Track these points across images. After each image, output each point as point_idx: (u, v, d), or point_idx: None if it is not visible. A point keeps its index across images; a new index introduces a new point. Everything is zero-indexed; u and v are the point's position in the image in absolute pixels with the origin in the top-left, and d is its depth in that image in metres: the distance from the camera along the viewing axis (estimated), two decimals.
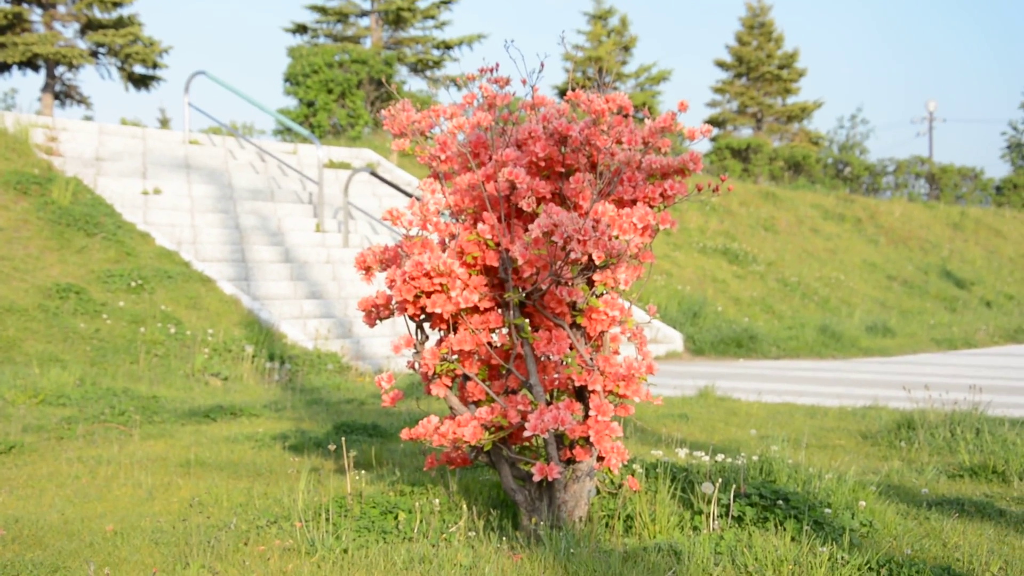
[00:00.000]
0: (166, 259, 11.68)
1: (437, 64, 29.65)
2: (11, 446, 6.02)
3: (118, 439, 6.50)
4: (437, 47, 29.68)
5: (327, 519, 4.23)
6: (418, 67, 29.68)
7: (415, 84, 29.45)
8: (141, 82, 26.07)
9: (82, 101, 26.17)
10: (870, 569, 3.69)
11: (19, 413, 7.26)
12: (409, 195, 13.81)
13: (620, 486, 4.36)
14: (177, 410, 7.52)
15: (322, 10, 29.01)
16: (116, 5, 25.05)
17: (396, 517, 4.30)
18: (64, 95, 25.75)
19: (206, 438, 6.58)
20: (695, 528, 4.22)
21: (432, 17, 29.32)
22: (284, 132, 23.00)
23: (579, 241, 3.96)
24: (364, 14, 29.26)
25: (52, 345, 9.20)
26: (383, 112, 4.80)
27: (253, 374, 9.52)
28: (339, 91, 22.55)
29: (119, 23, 25.34)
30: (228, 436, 6.61)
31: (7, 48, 24.19)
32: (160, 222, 12.87)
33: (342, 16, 29.19)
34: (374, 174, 14.32)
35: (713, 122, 35.64)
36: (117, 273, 10.86)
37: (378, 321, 4.85)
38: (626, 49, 35.47)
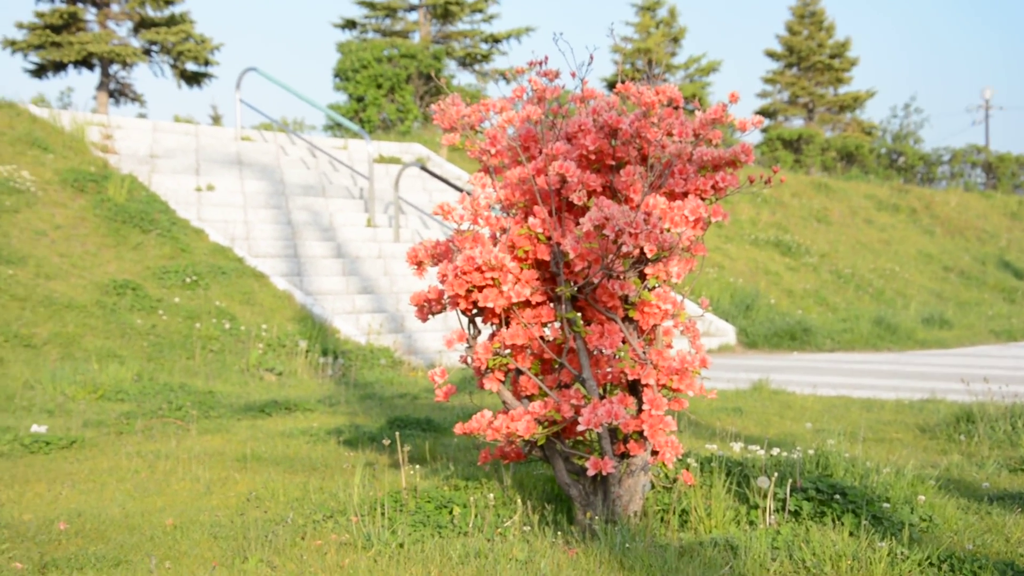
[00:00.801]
0: (220, 255, 11.80)
1: (485, 58, 29.68)
2: (72, 441, 6.12)
3: (176, 434, 6.58)
4: (485, 41, 29.70)
5: (383, 513, 4.25)
6: (466, 61, 29.72)
7: (464, 78, 29.54)
8: (193, 79, 26.33)
9: (136, 99, 26.48)
10: (931, 564, 3.64)
11: (79, 408, 7.37)
12: (459, 189, 13.84)
13: (675, 480, 4.34)
14: (233, 405, 7.59)
15: (371, 5, 29.12)
16: (168, 3, 25.32)
17: (451, 511, 4.31)
18: (118, 93, 26.07)
19: (262, 433, 6.64)
20: (751, 523, 4.19)
21: (480, 11, 29.34)
22: (334, 127, 23.13)
23: (631, 234, 3.94)
24: (412, 8, 29.34)
25: (110, 341, 9.33)
26: (433, 107, 4.80)
27: (307, 369, 9.60)
28: (388, 86, 22.65)
29: (171, 21, 25.61)
30: (283, 431, 6.67)
31: (63, 47, 24.54)
32: (213, 218, 13.00)
33: (390, 11, 29.29)
34: (424, 168, 14.36)
35: (764, 113, 35.35)
36: (172, 269, 10.99)
37: (430, 316, 4.87)
38: (675, 40, 35.28)
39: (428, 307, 4.83)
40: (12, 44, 24.58)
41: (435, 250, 4.78)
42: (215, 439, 6.43)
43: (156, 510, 4.72)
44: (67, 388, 7.87)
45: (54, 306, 9.53)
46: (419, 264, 4.85)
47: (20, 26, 24.69)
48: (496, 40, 29.62)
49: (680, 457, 4.35)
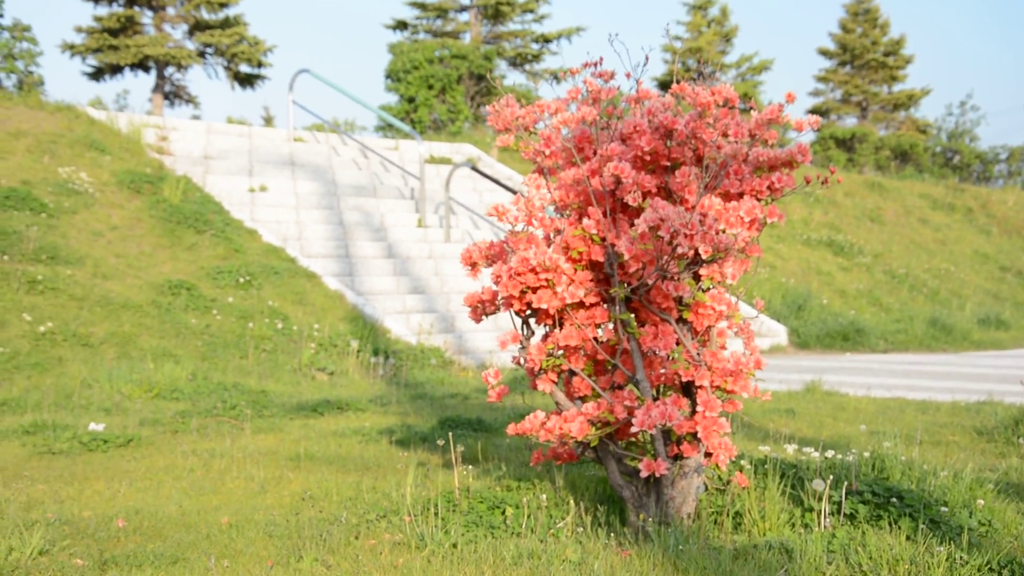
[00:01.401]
0: (272, 255, 11.90)
1: (536, 58, 29.69)
2: (129, 439, 6.20)
3: (230, 433, 6.65)
4: (536, 41, 29.71)
5: (435, 514, 4.26)
6: (517, 61, 29.75)
7: (514, 78, 29.53)
8: (246, 81, 26.58)
9: (190, 101, 26.78)
10: (991, 570, 3.59)
11: (136, 407, 7.47)
12: (510, 190, 13.86)
13: (728, 482, 4.31)
14: (286, 404, 7.66)
15: (422, 6, 29.23)
16: (222, 5, 25.59)
17: (503, 512, 4.32)
18: (173, 95, 26.39)
19: (314, 432, 6.69)
20: (806, 526, 4.16)
21: (531, 11, 29.35)
22: (385, 128, 23.25)
23: (686, 235, 3.93)
24: (463, 9, 29.42)
25: (165, 340, 9.44)
26: (487, 108, 4.81)
27: (358, 369, 9.65)
28: (439, 87, 22.72)
29: (225, 23, 25.87)
30: (336, 430, 6.72)
31: (120, 50, 24.88)
32: (266, 219, 13.11)
33: (441, 12, 29.39)
34: (475, 169, 14.39)
35: (816, 111, 35.03)
36: (226, 269, 11.10)
37: (484, 316, 4.89)
38: (727, 39, 35.08)
39: (482, 308, 4.84)
40: (71, 47, 24.97)
41: (489, 251, 4.79)
42: (268, 438, 6.49)
43: (212, 508, 4.77)
44: (123, 387, 7.98)
45: (111, 306, 9.67)
46: (473, 265, 4.86)
47: (79, 30, 25.08)
48: (547, 40, 29.62)
49: (733, 459, 4.32)
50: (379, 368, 9.63)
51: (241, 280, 10.97)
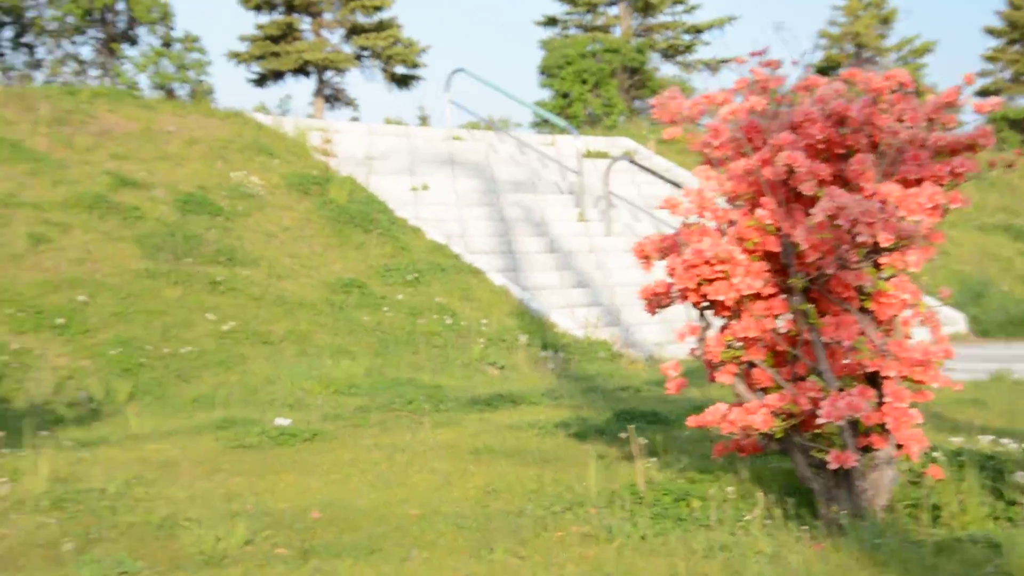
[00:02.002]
0: (437, 252, 12.14)
1: (688, 49, 29.42)
2: (314, 434, 6.42)
3: (409, 427, 6.82)
4: (687, 32, 29.45)
5: (622, 506, 4.30)
6: (668, 53, 29.53)
7: (667, 70, 29.32)
8: (402, 81, 27.11)
9: (349, 103, 27.46)
10: None
11: (317, 402, 7.74)
12: (670, 182, 13.80)
13: (921, 475, 4.23)
14: (460, 399, 7.81)
15: (572, 1, 29.29)
16: (377, 9, 26.16)
17: (688, 504, 4.33)
18: (333, 98, 27.10)
19: (491, 426, 6.80)
20: (1009, 519, 4.04)
21: (681, 2, 29.12)
22: (540, 124, 23.38)
23: (866, 224, 3.86)
24: (613, 3, 29.37)
25: (339, 337, 9.74)
26: (652, 101, 4.82)
27: (527, 362, 9.77)
28: (593, 81, 22.73)
29: (380, 26, 26.44)
30: (511, 424, 6.81)
31: (281, 57, 25.68)
32: (429, 217, 13.36)
33: (591, 6, 29.40)
34: (633, 162, 14.36)
35: (986, 93, 33.72)
36: (394, 267, 11.37)
37: (658, 309, 4.91)
38: (885, 22, 34.08)
39: (656, 300, 4.85)
40: (236, 55, 25.90)
41: (662, 244, 4.80)
42: (447, 432, 6.62)
43: (399, 501, 4.91)
44: (304, 383, 8.26)
45: (287, 304, 10.02)
46: (646, 258, 4.88)
47: (243, 39, 25.99)
48: (698, 31, 29.32)
49: (926, 451, 4.23)
50: (548, 362, 9.72)
51: (408, 277, 11.22)
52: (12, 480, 4.98)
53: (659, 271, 4.64)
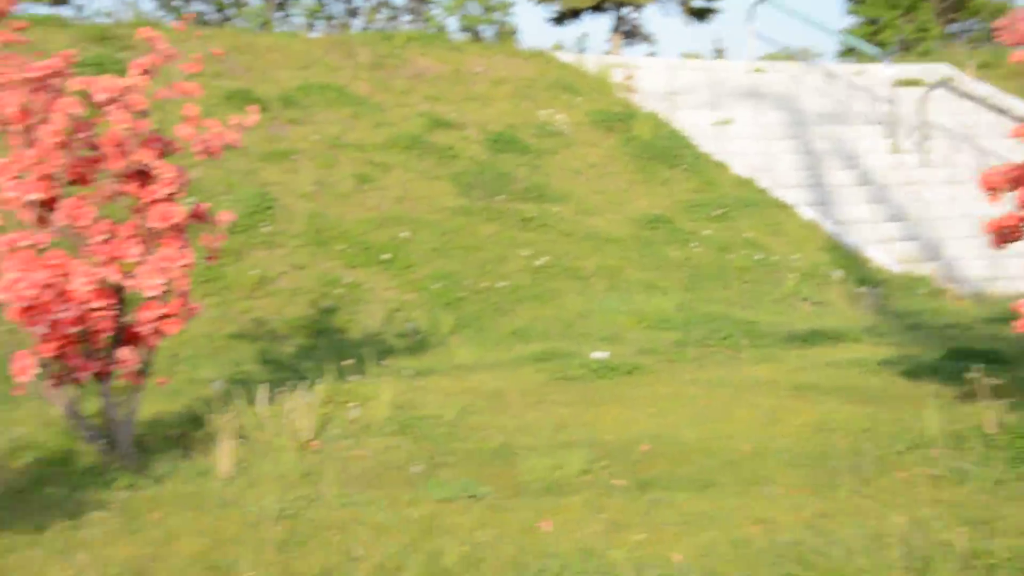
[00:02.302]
0: (743, 187, 11.89)
1: None
2: (633, 367, 6.45)
3: (725, 362, 6.74)
4: None
5: (971, 448, 4.08)
6: None
7: None
8: (700, 15, 26.61)
9: (646, 39, 27.24)
10: None
11: (631, 336, 7.78)
12: (996, 108, 12.91)
13: None
14: (775, 334, 7.64)
15: None
16: None
17: None
18: (630, 34, 26.96)
19: (809, 362, 6.62)
20: None
21: None
22: (846, 53, 22.39)
23: None
24: None
25: (647, 272, 9.73)
26: (996, 23, 4.50)
27: (842, 298, 9.45)
28: (904, 5, 21.51)
29: None
30: (831, 360, 6.61)
31: None
32: (733, 151, 13.08)
33: None
34: (953, 88, 13.51)
35: None
36: (699, 203, 11.24)
37: (1007, 243, 4.62)
38: None
39: (1005, 235, 4.58)
40: None
41: (1012, 174, 4.51)
42: (765, 368, 6.50)
43: (725, 436, 4.87)
44: (616, 317, 8.33)
45: (595, 240, 10.10)
46: (993, 190, 4.60)
47: None
48: None
49: None
50: (864, 298, 9.37)
51: (715, 213, 11.06)
52: (361, 404, 5.29)
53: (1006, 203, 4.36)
